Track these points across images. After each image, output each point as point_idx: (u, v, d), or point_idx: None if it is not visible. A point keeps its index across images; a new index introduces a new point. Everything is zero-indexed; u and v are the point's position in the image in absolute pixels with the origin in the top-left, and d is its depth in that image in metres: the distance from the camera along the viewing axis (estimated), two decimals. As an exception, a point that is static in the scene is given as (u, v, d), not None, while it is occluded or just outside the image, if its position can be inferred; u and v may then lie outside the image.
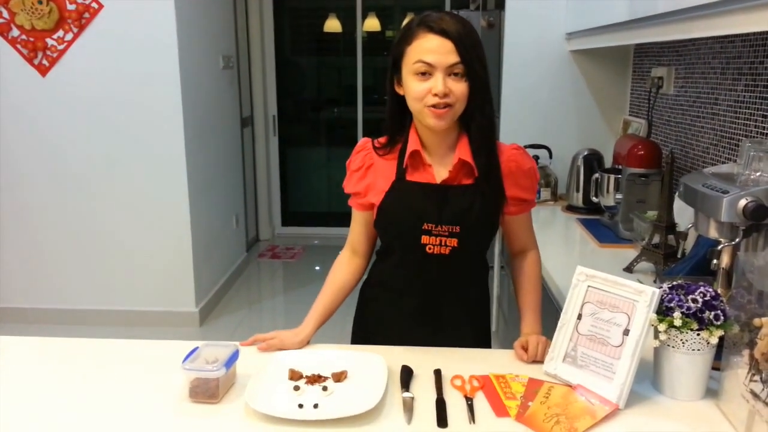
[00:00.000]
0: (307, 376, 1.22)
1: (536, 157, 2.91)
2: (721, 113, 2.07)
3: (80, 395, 1.19)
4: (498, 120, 3.03)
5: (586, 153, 2.74)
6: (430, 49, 1.24)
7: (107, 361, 1.34)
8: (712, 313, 1.11)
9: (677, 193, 1.80)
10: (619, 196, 2.28)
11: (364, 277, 1.54)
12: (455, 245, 1.34)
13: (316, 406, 1.12)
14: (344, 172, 1.46)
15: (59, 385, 1.23)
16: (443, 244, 1.34)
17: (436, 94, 1.24)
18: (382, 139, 1.41)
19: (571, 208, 2.73)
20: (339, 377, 1.21)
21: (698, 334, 1.11)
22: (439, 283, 1.40)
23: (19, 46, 3.38)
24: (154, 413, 1.13)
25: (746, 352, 1.05)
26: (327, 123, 5.79)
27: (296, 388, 1.18)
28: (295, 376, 1.22)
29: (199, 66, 3.76)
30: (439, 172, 1.36)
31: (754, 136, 1.86)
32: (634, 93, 2.93)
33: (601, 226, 2.40)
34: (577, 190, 2.70)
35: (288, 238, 5.60)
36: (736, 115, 1.97)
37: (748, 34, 1.88)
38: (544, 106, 3.06)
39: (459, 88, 1.25)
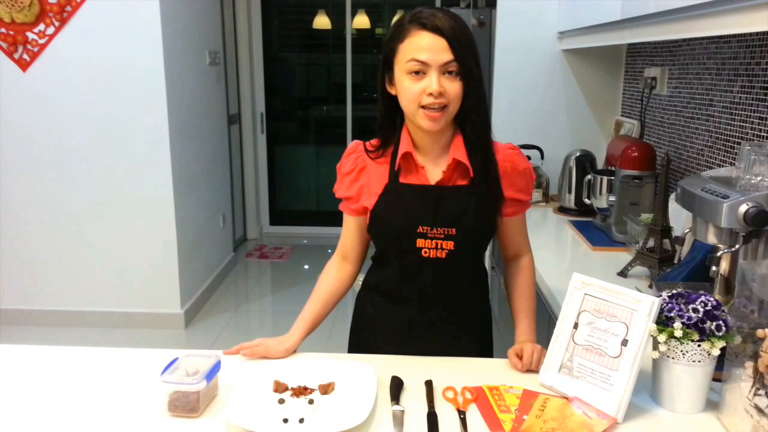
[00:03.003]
0: (292, 388, 1.16)
1: (528, 158, 2.87)
2: (716, 115, 2.04)
3: (52, 408, 1.13)
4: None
5: (578, 154, 2.70)
6: (424, 46, 1.20)
7: (81, 371, 1.27)
8: (714, 323, 1.07)
9: (672, 196, 1.77)
10: (612, 198, 2.24)
11: (360, 281, 1.49)
12: (452, 248, 1.30)
13: (301, 420, 1.07)
14: (333, 170, 1.41)
15: (29, 398, 1.17)
16: (439, 247, 1.30)
17: (431, 94, 1.20)
18: (374, 142, 1.37)
19: (563, 210, 2.70)
20: (326, 389, 1.16)
21: (699, 345, 1.07)
22: (435, 288, 1.35)
23: (-2, 40, 3.29)
24: (131, 428, 1.07)
25: (750, 365, 1.02)
26: (316, 121, 5.73)
27: (281, 401, 1.12)
28: (279, 388, 1.16)
29: (184, 62, 3.68)
30: (433, 173, 1.31)
31: (750, 139, 1.82)
32: (627, 93, 2.90)
33: (594, 228, 2.37)
34: (569, 192, 2.66)
35: (276, 238, 5.54)
36: (732, 117, 1.94)
37: (744, 35, 1.85)
38: (536, 106, 3.02)
39: (453, 87, 1.21)
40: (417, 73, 1.21)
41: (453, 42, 1.19)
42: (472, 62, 1.22)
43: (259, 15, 5.18)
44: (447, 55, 1.19)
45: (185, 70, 3.69)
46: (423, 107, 1.22)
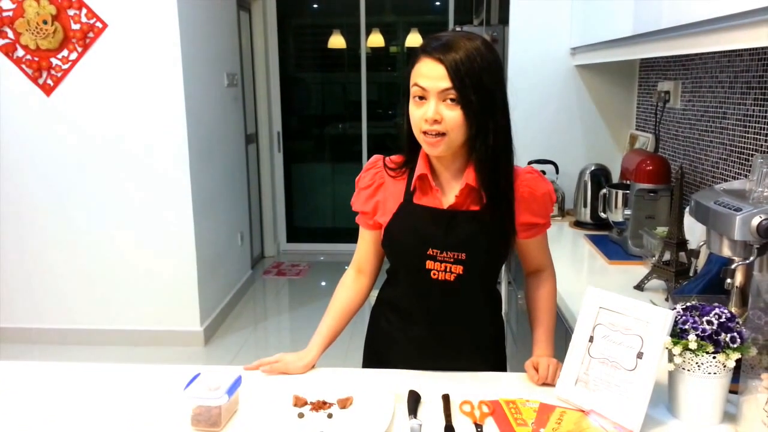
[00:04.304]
0: (311, 403, 1.19)
1: (543, 173, 2.89)
2: (730, 127, 2.04)
3: (78, 423, 1.16)
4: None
5: (593, 168, 2.71)
6: (424, 73, 1.21)
7: (106, 387, 1.30)
8: (728, 335, 1.08)
9: (687, 209, 1.77)
10: (627, 211, 2.25)
11: (375, 294, 1.51)
12: (461, 272, 1.30)
13: (321, 434, 1.09)
14: (349, 188, 1.43)
15: (56, 414, 1.20)
16: (448, 270, 1.31)
17: (426, 120, 1.21)
18: (396, 158, 1.38)
19: (578, 224, 2.70)
20: (344, 403, 1.18)
21: (714, 357, 1.08)
22: (444, 311, 1.36)
23: (23, 66, 3.39)
24: (155, 442, 1.10)
25: (765, 376, 1.02)
26: (331, 139, 5.79)
27: (300, 415, 1.15)
28: (299, 402, 1.19)
29: (203, 84, 3.76)
30: (447, 197, 1.32)
31: (764, 151, 1.83)
32: (641, 107, 2.91)
33: (610, 242, 2.37)
34: (585, 206, 2.67)
35: (293, 255, 5.58)
36: (746, 130, 1.94)
37: (756, 48, 1.86)
38: (550, 121, 3.04)
39: (452, 115, 1.20)
40: (421, 99, 1.22)
41: (452, 70, 1.18)
42: (472, 91, 1.19)
43: (275, 36, 5.28)
44: (444, 83, 1.19)
45: (204, 92, 3.77)
46: (422, 132, 1.23)
